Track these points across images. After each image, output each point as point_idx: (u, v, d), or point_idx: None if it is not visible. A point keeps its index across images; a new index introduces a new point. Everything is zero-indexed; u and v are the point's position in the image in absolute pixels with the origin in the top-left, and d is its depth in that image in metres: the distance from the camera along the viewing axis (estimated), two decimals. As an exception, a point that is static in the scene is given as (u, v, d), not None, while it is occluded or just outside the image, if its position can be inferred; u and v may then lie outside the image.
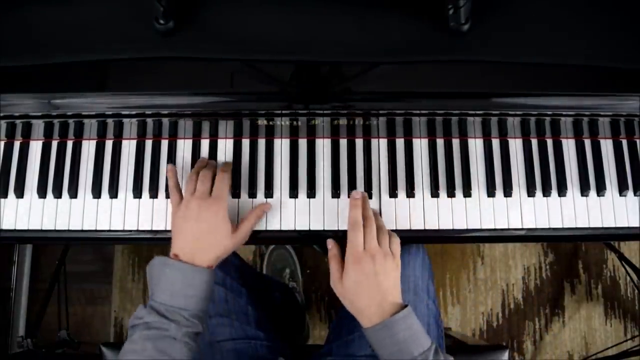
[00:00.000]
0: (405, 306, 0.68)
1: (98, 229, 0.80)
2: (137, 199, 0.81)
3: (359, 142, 0.82)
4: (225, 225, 0.74)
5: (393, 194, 0.80)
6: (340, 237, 0.79)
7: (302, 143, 0.82)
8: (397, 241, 0.74)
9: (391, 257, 0.72)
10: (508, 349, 0.92)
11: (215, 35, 0.75)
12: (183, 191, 0.78)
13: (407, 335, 0.66)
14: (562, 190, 0.80)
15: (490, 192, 0.80)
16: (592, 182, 0.81)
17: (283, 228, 0.79)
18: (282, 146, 0.82)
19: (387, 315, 0.68)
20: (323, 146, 0.82)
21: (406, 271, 0.82)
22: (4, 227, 0.81)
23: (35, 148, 0.83)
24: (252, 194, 0.80)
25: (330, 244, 0.76)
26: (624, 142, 0.82)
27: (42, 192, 0.81)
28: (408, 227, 0.79)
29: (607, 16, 0.76)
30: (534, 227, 0.80)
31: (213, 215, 0.73)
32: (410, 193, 0.80)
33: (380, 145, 0.82)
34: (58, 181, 0.82)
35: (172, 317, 0.66)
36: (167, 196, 0.81)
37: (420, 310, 0.82)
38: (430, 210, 0.80)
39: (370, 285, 0.69)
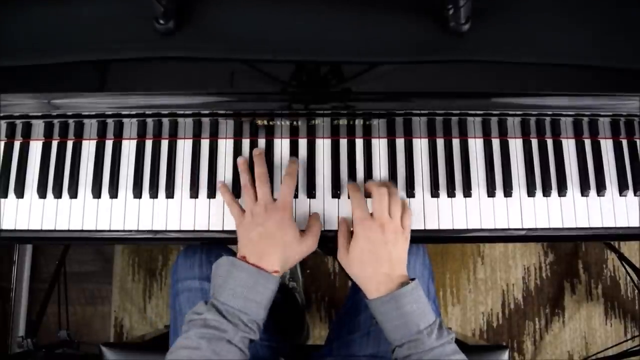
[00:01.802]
0: (413, 279, 0.68)
1: (98, 229, 0.80)
2: (137, 199, 0.81)
3: (359, 142, 0.82)
4: (293, 229, 0.73)
5: (393, 194, 0.80)
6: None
7: (302, 143, 0.82)
8: (409, 215, 0.74)
9: (401, 230, 0.72)
10: (508, 349, 0.92)
11: (215, 35, 0.75)
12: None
13: (415, 308, 0.66)
14: (562, 190, 0.80)
15: (490, 192, 0.80)
16: (592, 182, 0.81)
17: (283, 228, 0.79)
18: (282, 146, 0.82)
19: (394, 287, 0.67)
20: (323, 146, 0.82)
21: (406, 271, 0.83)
22: (4, 227, 0.81)
23: (35, 148, 0.83)
24: (252, 194, 0.80)
25: (340, 219, 0.77)
26: (624, 142, 0.82)
27: (42, 192, 0.81)
28: (408, 227, 0.79)
29: (607, 16, 0.76)
30: (534, 227, 0.80)
31: (279, 220, 0.72)
32: (410, 193, 0.80)
33: (380, 145, 0.82)
34: (58, 181, 0.81)
35: (232, 319, 0.65)
36: (167, 196, 0.81)
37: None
38: (430, 210, 0.80)
39: (378, 254, 0.69)
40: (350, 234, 0.74)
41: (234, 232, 0.76)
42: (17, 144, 0.83)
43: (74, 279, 1.50)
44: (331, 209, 0.80)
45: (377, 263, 0.69)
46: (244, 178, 0.77)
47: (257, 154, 0.79)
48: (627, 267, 1.39)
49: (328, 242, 0.80)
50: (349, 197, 0.79)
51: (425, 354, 0.64)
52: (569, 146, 0.83)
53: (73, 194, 0.81)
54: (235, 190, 0.80)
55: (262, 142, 0.82)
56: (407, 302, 0.66)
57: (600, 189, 0.81)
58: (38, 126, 0.82)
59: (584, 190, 0.81)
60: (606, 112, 0.79)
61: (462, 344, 1.15)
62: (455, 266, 1.55)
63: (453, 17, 0.72)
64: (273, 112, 0.79)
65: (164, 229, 0.80)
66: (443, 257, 1.55)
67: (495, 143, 0.82)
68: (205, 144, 0.83)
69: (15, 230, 0.81)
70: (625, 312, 1.54)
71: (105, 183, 0.81)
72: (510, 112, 0.79)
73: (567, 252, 1.56)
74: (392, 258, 0.69)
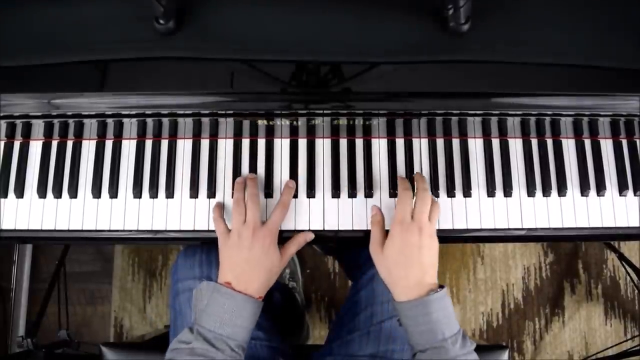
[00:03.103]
0: (442, 286, 0.69)
1: (98, 228, 0.80)
2: (137, 199, 0.81)
3: (359, 142, 0.82)
4: (276, 254, 0.74)
5: (393, 194, 0.80)
6: (341, 238, 0.79)
7: (302, 143, 0.82)
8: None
9: (435, 236, 0.72)
10: (508, 349, 0.92)
11: (215, 35, 0.75)
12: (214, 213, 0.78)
13: (442, 316, 0.66)
14: (562, 190, 0.80)
15: (490, 192, 0.80)
16: (592, 182, 0.81)
17: (283, 228, 0.79)
18: (282, 146, 0.82)
19: (424, 292, 0.68)
20: (323, 146, 0.82)
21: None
22: (4, 227, 0.81)
23: (35, 148, 0.83)
24: (252, 194, 0.80)
25: (375, 209, 0.77)
26: (624, 142, 0.82)
27: (42, 192, 0.81)
28: (408, 227, 0.79)
29: (607, 16, 0.76)
30: (534, 227, 0.80)
31: (266, 245, 0.73)
32: (410, 193, 0.80)
33: (380, 145, 0.82)
34: (58, 181, 0.82)
35: (219, 345, 0.66)
36: (167, 196, 0.81)
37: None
38: (430, 210, 0.80)
39: (413, 257, 0.69)
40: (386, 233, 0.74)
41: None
42: (17, 144, 0.83)
43: (73, 279, 1.50)
44: (331, 209, 0.80)
45: (410, 266, 0.69)
46: (237, 195, 0.77)
47: (251, 178, 0.79)
48: (627, 267, 1.39)
49: (328, 242, 0.80)
50: (348, 197, 0.80)
51: None
52: (568, 146, 0.82)
53: (73, 193, 0.81)
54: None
55: (262, 142, 0.82)
56: (435, 310, 0.66)
57: (600, 189, 0.81)
58: (38, 126, 0.82)
59: (584, 190, 0.81)
60: (606, 112, 0.79)
61: (462, 344, 1.15)
62: (455, 266, 1.55)
63: (453, 17, 0.72)
64: (273, 112, 0.79)
65: (164, 228, 0.80)
66: (443, 257, 1.55)
67: (495, 143, 0.82)
68: (205, 143, 0.83)
69: (15, 230, 0.81)
70: (625, 312, 1.54)
71: (105, 183, 0.81)
72: (510, 112, 0.79)
73: (567, 252, 1.56)
74: (424, 263, 0.69)
